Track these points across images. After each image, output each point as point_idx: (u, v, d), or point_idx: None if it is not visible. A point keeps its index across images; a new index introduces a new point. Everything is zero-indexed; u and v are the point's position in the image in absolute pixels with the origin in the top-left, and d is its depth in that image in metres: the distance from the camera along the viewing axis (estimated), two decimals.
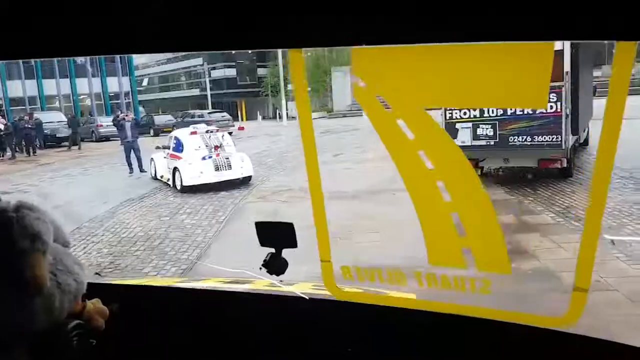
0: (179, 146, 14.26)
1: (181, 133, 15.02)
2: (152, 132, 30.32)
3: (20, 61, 31.88)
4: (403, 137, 1.54)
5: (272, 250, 1.76)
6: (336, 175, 11.86)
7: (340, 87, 36.44)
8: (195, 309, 1.88)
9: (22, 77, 36.43)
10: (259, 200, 12.16)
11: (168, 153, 14.55)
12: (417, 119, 1.51)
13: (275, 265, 1.73)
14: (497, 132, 10.81)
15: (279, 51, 39.50)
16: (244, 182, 13.72)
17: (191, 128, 15.21)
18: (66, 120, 28.97)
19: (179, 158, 13.88)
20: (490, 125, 10.88)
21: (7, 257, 1.23)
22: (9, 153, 25.29)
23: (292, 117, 37.18)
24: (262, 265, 1.74)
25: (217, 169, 13.52)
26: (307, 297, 1.81)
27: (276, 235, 1.76)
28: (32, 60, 35.23)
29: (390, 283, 1.73)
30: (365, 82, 1.51)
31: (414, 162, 1.55)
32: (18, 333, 1.28)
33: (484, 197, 1.53)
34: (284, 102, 36.66)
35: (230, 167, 13.66)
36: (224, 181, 13.40)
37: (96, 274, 1.56)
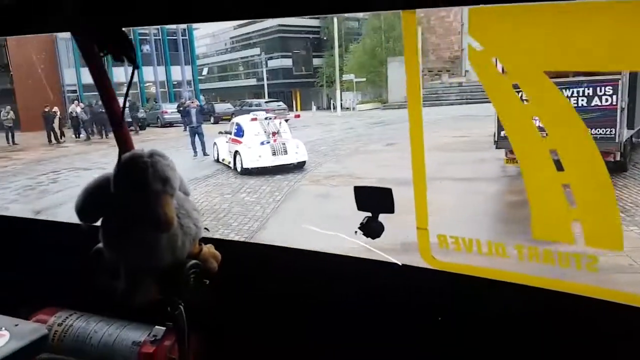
0: (239, 132, 14.44)
1: (242, 119, 15.18)
2: (212, 119, 30.77)
3: None
4: (517, 103, 1.41)
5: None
6: (389, 164, 11.74)
7: (397, 77, 33.88)
8: (290, 267, 1.85)
9: None
10: (311, 183, 12.19)
11: (230, 138, 14.75)
12: (534, 83, 1.37)
13: (372, 228, 1.68)
14: None
15: (335, 41, 39.19)
16: (298, 167, 13.77)
17: (251, 115, 15.37)
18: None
19: (240, 143, 14.05)
20: None
21: (142, 198, 1.30)
22: (83, 134, 26.25)
23: (346, 108, 36.61)
24: (359, 228, 1.67)
25: (274, 153, 13.61)
26: (399, 264, 1.72)
27: (374, 200, 1.71)
28: None
29: (489, 255, 1.62)
30: (482, 45, 1.38)
31: (527, 129, 1.41)
32: (148, 267, 1.36)
33: (602, 169, 1.37)
34: (338, 92, 35.83)
35: (286, 152, 13.74)
36: (280, 165, 13.50)
37: (205, 229, 1.59)
